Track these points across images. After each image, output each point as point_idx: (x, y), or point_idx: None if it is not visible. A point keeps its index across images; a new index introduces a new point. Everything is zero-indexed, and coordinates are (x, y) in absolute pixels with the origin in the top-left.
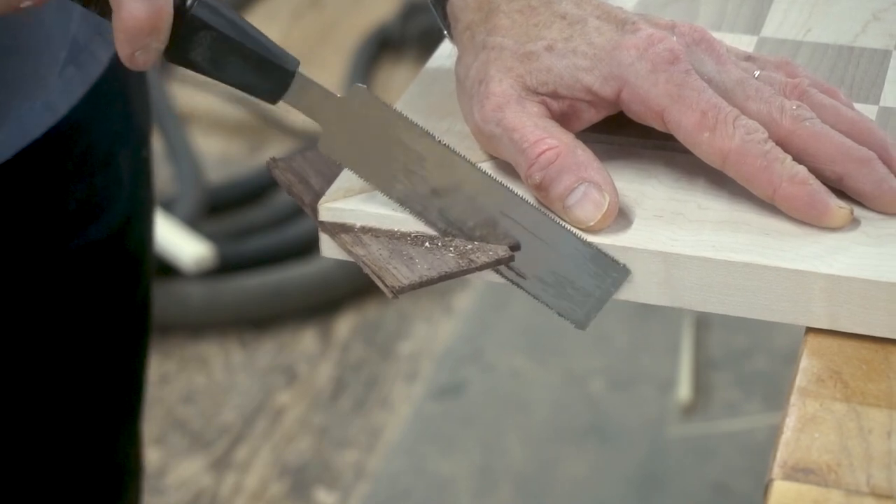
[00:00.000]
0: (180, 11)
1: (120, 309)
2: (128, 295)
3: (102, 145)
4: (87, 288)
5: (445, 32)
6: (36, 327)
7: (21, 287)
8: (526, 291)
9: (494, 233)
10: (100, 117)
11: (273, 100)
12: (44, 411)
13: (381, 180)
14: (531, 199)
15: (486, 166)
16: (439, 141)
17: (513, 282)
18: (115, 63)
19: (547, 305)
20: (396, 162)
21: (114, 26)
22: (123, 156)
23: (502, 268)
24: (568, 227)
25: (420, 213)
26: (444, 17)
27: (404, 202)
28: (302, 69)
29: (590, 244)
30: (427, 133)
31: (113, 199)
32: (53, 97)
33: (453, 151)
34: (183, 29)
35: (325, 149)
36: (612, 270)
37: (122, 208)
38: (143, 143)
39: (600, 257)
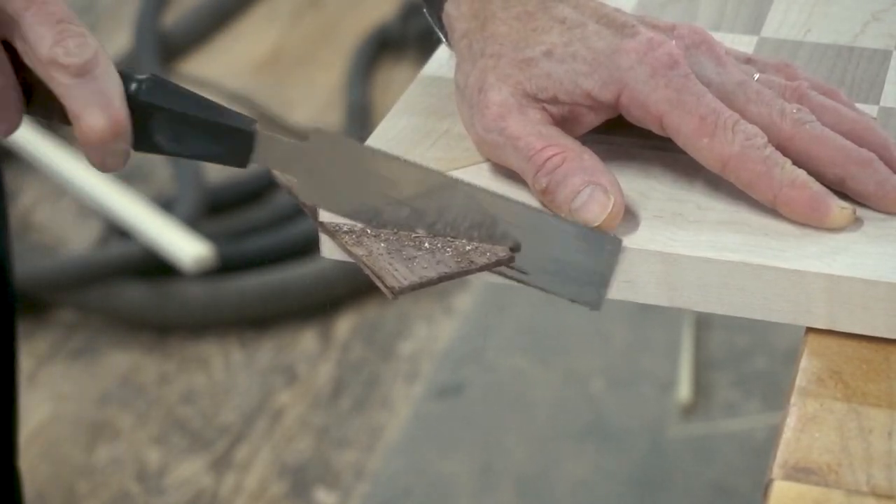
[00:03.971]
0: (130, 99)
1: None
2: None
3: None
4: None
5: (443, 40)
6: None
7: None
8: (533, 287)
9: (490, 234)
10: None
11: (243, 163)
12: None
13: (365, 215)
14: (516, 197)
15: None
16: (407, 161)
17: (518, 280)
18: None
19: (557, 294)
20: (373, 192)
21: (78, 138)
22: None
23: (504, 269)
24: (548, 211)
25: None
26: (441, 25)
27: (394, 227)
28: (259, 126)
29: (572, 222)
30: (395, 157)
31: None
32: None
33: (423, 167)
34: (136, 116)
35: (305, 198)
36: (606, 243)
37: None
38: None
39: (589, 233)
